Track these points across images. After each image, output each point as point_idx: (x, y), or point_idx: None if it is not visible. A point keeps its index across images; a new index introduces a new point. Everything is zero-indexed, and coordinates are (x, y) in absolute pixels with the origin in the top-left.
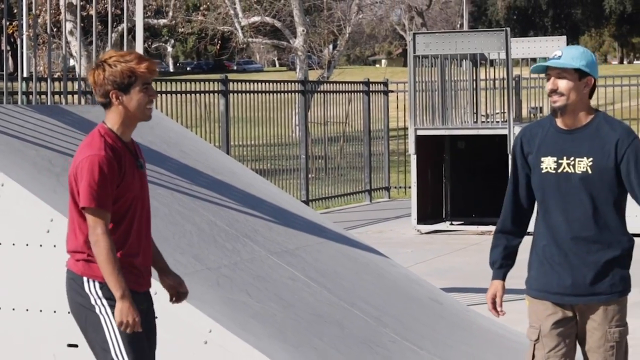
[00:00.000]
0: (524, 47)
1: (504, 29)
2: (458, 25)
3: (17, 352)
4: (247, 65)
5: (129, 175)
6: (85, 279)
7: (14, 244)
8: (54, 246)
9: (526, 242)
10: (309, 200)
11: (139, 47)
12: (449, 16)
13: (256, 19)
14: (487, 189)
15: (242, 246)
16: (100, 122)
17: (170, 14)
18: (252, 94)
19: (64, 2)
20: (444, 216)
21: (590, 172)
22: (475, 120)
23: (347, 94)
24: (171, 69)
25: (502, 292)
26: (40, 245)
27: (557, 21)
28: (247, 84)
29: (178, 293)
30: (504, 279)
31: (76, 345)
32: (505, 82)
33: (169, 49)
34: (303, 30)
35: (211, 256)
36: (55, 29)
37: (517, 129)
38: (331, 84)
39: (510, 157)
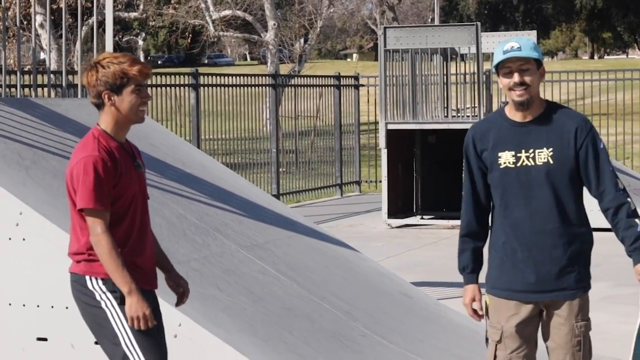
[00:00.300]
0: (495, 41)
1: (475, 23)
2: (429, 20)
3: None
4: (218, 59)
5: (126, 175)
6: (87, 277)
7: None
8: (23, 239)
9: None
10: (280, 194)
11: (109, 40)
12: (420, 10)
13: (227, 12)
14: (457, 184)
15: (212, 240)
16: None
17: (141, 7)
18: (223, 88)
19: None
20: (414, 210)
21: (551, 162)
22: (445, 114)
23: (318, 88)
24: None
25: (480, 295)
26: (10, 239)
27: (527, 16)
28: (218, 77)
29: (182, 292)
30: (477, 282)
31: (45, 339)
32: (476, 76)
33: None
34: (274, 24)
35: (181, 250)
36: (25, 22)
37: None
38: (302, 78)
39: (464, 158)
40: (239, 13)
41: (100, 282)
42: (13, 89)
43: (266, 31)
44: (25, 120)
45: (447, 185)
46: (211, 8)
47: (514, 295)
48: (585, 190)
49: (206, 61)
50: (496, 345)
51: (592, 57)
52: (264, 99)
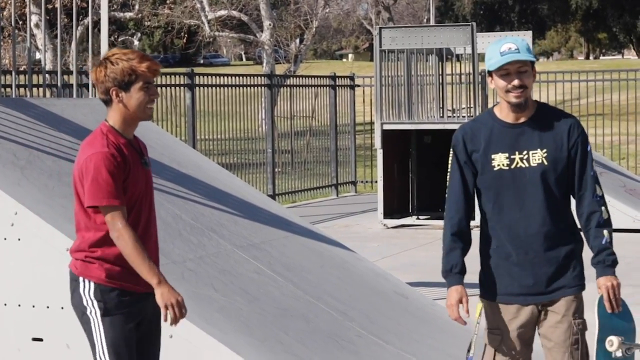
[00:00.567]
0: (490, 42)
1: (470, 23)
2: (425, 20)
3: None
4: (213, 59)
5: (134, 171)
6: (81, 279)
7: None
8: (18, 239)
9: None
10: (276, 195)
11: (104, 40)
12: (415, 11)
13: (223, 12)
14: None
15: (207, 240)
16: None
17: (137, 7)
18: (218, 88)
19: None
20: (410, 210)
21: (546, 163)
22: (441, 114)
23: (313, 88)
24: None
25: (467, 298)
26: (5, 239)
27: (523, 16)
28: (214, 77)
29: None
30: (463, 283)
31: (41, 339)
32: (471, 76)
33: (136, 42)
34: (270, 24)
35: (176, 250)
36: (20, 22)
37: None
38: (298, 78)
39: (450, 157)
40: (235, 13)
41: (92, 287)
42: (8, 89)
43: (262, 31)
44: (21, 120)
45: (443, 185)
46: (207, 8)
47: (512, 299)
48: None
49: (202, 61)
50: (495, 352)
51: (587, 57)
52: (260, 99)
